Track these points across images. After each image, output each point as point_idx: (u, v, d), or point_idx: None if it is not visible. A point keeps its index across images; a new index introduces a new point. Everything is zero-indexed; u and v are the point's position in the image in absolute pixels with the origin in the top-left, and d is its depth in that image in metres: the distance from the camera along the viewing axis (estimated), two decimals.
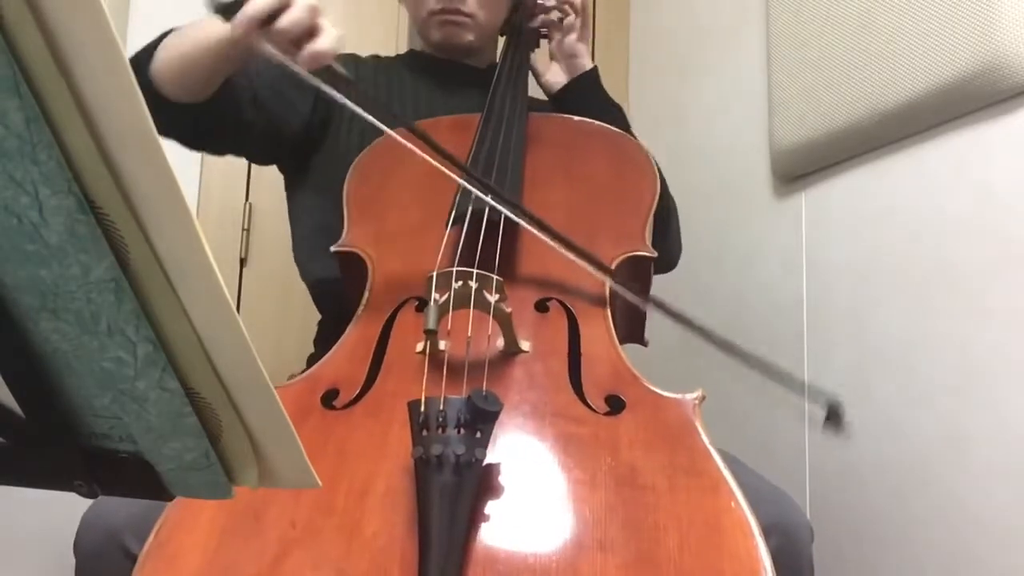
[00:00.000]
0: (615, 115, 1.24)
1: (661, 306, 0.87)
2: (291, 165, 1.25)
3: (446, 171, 0.87)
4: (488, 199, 0.90)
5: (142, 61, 0.99)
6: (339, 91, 0.85)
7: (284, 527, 0.68)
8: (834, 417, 0.81)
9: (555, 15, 1.28)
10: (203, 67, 0.97)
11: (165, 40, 1.00)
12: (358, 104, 0.86)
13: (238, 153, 1.20)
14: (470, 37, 1.26)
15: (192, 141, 1.10)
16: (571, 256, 0.87)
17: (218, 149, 1.17)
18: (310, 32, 0.86)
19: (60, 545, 0.84)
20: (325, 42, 0.86)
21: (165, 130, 1.09)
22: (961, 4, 1.15)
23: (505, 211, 0.90)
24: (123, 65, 0.29)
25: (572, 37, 1.27)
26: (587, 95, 1.26)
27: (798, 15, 1.47)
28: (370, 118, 0.85)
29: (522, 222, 0.89)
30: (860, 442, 1.32)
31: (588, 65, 1.27)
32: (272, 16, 0.84)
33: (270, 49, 0.84)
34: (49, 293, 0.34)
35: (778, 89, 1.52)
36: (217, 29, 0.90)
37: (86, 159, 0.31)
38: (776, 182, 1.58)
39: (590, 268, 0.88)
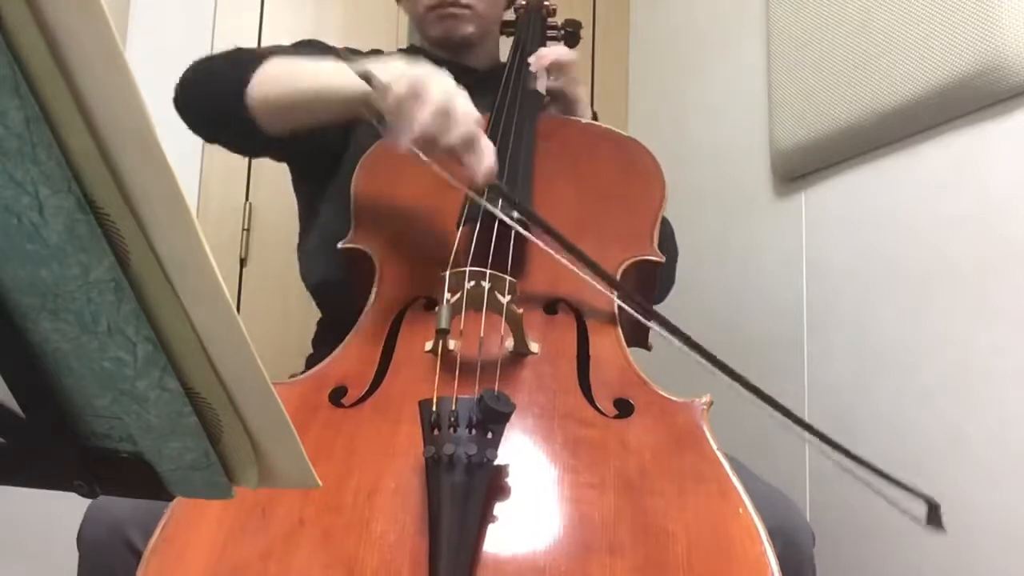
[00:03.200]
0: None
1: (665, 324, 0.87)
2: (308, 168, 1.24)
3: (480, 200, 0.87)
4: (508, 220, 0.89)
5: (240, 70, 0.96)
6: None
7: (292, 524, 0.68)
8: (934, 518, 0.83)
9: (556, 82, 1.21)
10: (313, 115, 0.95)
11: (268, 66, 0.96)
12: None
13: (272, 159, 1.20)
14: (470, 28, 1.25)
15: (241, 153, 1.12)
16: (581, 274, 0.87)
17: (256, 156, 1.16)
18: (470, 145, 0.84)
19: (64, 539, 0.84)
20: (488, 160, 0.84)
21: (226, 143, 1.09)
22: (961, 4, 1.15)
23: (518, 229, 0.90)
24: (123, 65, 0.29)
25: (568, 101, 1.22)
26: None
27: (798, 15, 1.47)
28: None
29: (538, 241, 0.89)
30: (860, 442, 1.31)
31: (586, 116, 1.23)
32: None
33: (420, 155, 0.82)
34: (49, 293, 0.34)
35: (778, 89, 1.52)
36: (351, 85, 0.86)
37: (86, 159, 0.31)
38: (776, 182, 1.58)
39: (599, 285, 0.88)
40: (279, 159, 1.24)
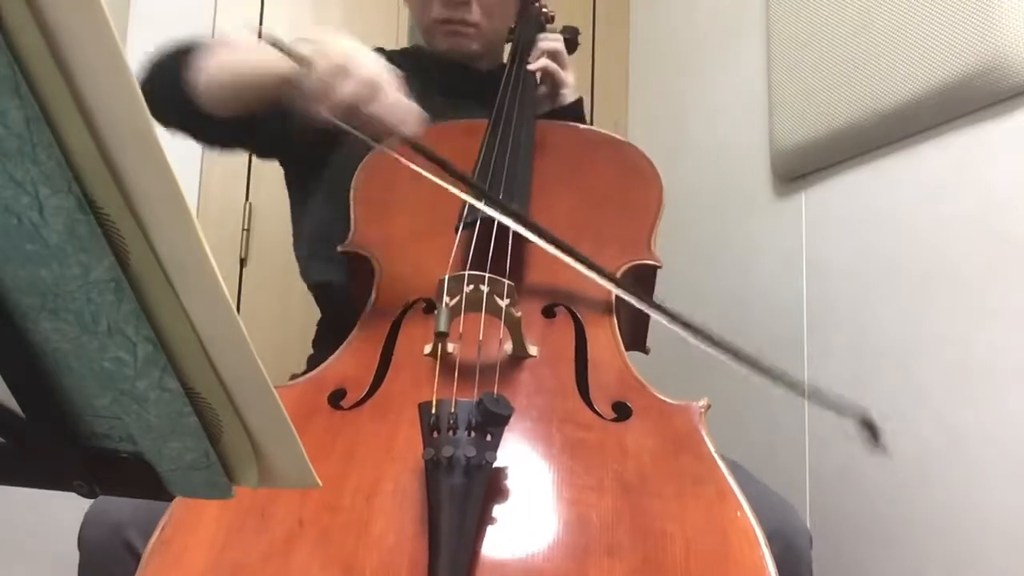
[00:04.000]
0: None
1: (669, 313, 0.87)
2: (297, 167, 1.25)
3: (461, 195, 0.88)
4: (500, 217, 0.90)
5: (175, 64, 0.98)
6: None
7: (291, 525, 0.68)
8: (871, 432, 0.81)
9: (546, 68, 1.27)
10: (254, 96, 0.97)
11: (207, 52, 0.99)
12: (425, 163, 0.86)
13: (244, 150, 1.20)
14: (475, 46, 1.27)
15: (208, 143, 1.10)
16: (579, 268, 0.87)
17: (229, 149, 1.17)
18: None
19: (64, 539, 0.85)
20: (411, 124, 0.87)
21: (183, 129, 1.09)
22: (961, 4, 1.15)
23: (515, 227, 0.90)
24: (123, 65, 0.29)
25: (552, 84, 1.27)
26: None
27: (798, 15, 1.47)
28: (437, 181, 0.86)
29: (532, 236, 0.89)
30: (860, 443, 1.31)
31: (571, 98, 1.27)
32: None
33: (335, 120, 0.85)
34: (49, 293, 0.34)
35: (778, 89, 1.52)
36: (279, 65, 0.89)
37: (86, 159, 0.31)
38: (776, 182, 1.58)
39: (599, 279, 0.88)
40: (255, 154, 1.29)
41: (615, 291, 0.92)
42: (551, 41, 1.26)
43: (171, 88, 0.98)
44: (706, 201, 1.76)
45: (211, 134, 1.08)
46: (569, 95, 1.27)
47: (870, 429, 0.81)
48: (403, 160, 0.84)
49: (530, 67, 1.22)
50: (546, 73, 1.24)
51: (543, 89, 1.26)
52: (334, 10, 1.99)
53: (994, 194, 1.15)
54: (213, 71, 0.97)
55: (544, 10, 1.38)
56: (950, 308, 1.19)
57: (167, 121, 1.06)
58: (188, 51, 1.00)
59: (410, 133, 0.86)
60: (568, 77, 1.26)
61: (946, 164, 1.22)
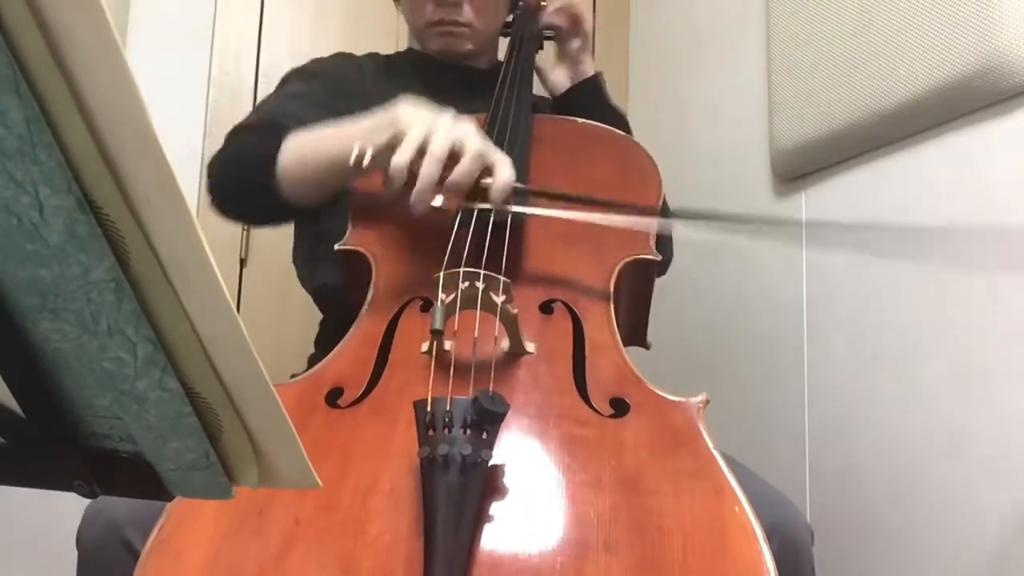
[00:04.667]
0: (618, 123, 1.25)
1: (684, 216, 0.93)
2: None
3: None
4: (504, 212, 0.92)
5: (260, 160, 0.99)
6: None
7: (288, 524, 0.68)
8: None
9: (559, 20, 1.30)
10: (337, 187, 0.99)
11: (291, 144, 0.99)
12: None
13: None
14: (469, 46, 1.27)
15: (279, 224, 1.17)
16: (612, 217, 0.90)
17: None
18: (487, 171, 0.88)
19: (64, 539, 0.85)
20: (505, 175, 0.88)
21: (269, 221, 1.16)
22: (961, 4, 1.15)
23: (519, 210, 0.93)
24: (123, 65, 0.29)
25: (575, 45, 1.29)
26: (589, 101, 1.28)
27: (798, 15, 1.47)
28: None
29: (542, 211, 0.92)
30: (860, 442, 1.32)
31: (590, 71, 1.29)
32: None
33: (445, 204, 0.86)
34: (49, 293, 0.34)
35: (778, 89, 1.52)
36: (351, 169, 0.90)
37: (86, 159, 0.31)
38: (776, 182, 1.58)
39: (630, 220, 0.92)
40: None
41: (651, 227, 0.96)
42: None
43: (260, 195, 1.00)
44: (706, 201, 1.76)
45: (292, 218, 1.12)
46: (586, 68, 1.29)
47: None
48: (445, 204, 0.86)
49: (546, 18, 1.27)
50: (567, 16, 1.27)
51: (576, 43, 1.28)
52: (335, 14, 1.99)
53: (994, 194, 1.15)
54: (291, 177, 0.98)
55: (543, 3, 1.38)
56: (950, 308, 1.19)
57: (257, 222, 1.16)
58: (264, 153, 1.00)
59: (502, 189, 0.87)
60: (579, 51, 1.28)
61: (946, 164, 1.22)
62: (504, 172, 0.87)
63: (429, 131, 0.84)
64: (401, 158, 0.83)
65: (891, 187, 1.31)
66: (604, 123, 1.18)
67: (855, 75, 1.33)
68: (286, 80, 1.24)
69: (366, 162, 0.87)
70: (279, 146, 0.99)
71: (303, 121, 1.03)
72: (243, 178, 1.03)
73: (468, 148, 0.85)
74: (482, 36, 1.28)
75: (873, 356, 1.31)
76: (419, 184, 0.84)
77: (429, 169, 0.83)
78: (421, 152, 0.84)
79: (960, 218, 1.19)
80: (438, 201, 0.86)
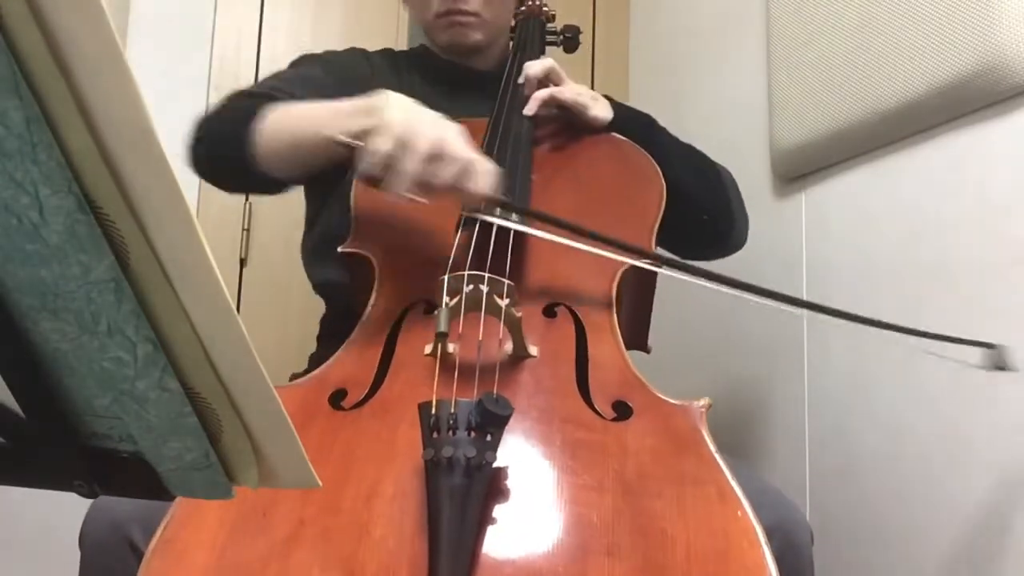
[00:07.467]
0: (687, 152, 1.22)
1: (682, 267, 0.92)
2: (319, 175, 1.25)
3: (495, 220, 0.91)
4: (506, 223, 0.92)
5: (240, 129, 0.99)
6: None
7: (293, 525, 0.68)
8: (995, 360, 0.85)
9: (544, 111, 1.16)
10: (315, 161, 0.98)
11: (271, 116, 0.99)
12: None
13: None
14: (478, 36, 1.26)
15: (270, 194, 1.14)
16: (592, 250, 0.89)
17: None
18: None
19: (65, 539, 0.85)
20: (484, 183, 0.87)
21: (242, 190, 1.14)
22: (961, 4, 1.15)
23: (518, 227, 0.92)
24: (123, 65, 0.29)
25: (580, 114, 1.15)
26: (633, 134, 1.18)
27: (798, 15, 1.47)
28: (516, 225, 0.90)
29: (538, 233, 0.91)
30: (860, 442, 1.32)
31: (606, 115, 1.16)
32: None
33: (417, 199, 0.85)
34: (49, 293, 0.34)
35: (778, 89, 1.52)
36: (327, 128, 0.89)
37: (86, 159, 0.31)
38: (776, 182, 1.58)
39: (617, 256, 0.91)
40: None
41: (639, 263, 0.95)
42: (535, 66, 1.14)
43: (235, 161, 0.99)
44: None
45: (276, 189, 1.10)
46: (600, 112, 1.15)
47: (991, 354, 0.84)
48: (418, 199, 0.85)
49: (527, 112, 1.12)
50: (552, 103, 1.13)
51: (580, 113, 1.13)
52: (335, 12, 1.99)
53: (994, 194, 1.15)
54: (271, 142, 0.98)
55: (544, 8, 1.38)
56: (950, 308, 1.19)
57: (231, 189, 1.14)
58: (246, 115, 1.00)
59: (482, 196, 0.87)
60: (581, 98, 1.14)
61: (946, 164, 1.22)
62: (483, 181, 0.86)
63: (412, 127, 0.84)
64: (382, 145, 0.82)
65: (891, 187, 1.31)
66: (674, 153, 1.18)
67: (855, 75, 1.33)
68: (296, 63, 1.24)
69: (341, 139, 0.86)
70: (259, 114, 0.99)
71: (299, 99, 1.03)
72: (220, 139, 1.03)
73: (448, 151, 0.84)
74: (491, 27, 1.27)
75: (873, 355, 1.31)
76: (397, 177, 0.83)
77: (412, 164, 0.82)
78: (402, 144, 0.83)
79: (960, 218, 1.19)
80: (408, 193, 0.84)
